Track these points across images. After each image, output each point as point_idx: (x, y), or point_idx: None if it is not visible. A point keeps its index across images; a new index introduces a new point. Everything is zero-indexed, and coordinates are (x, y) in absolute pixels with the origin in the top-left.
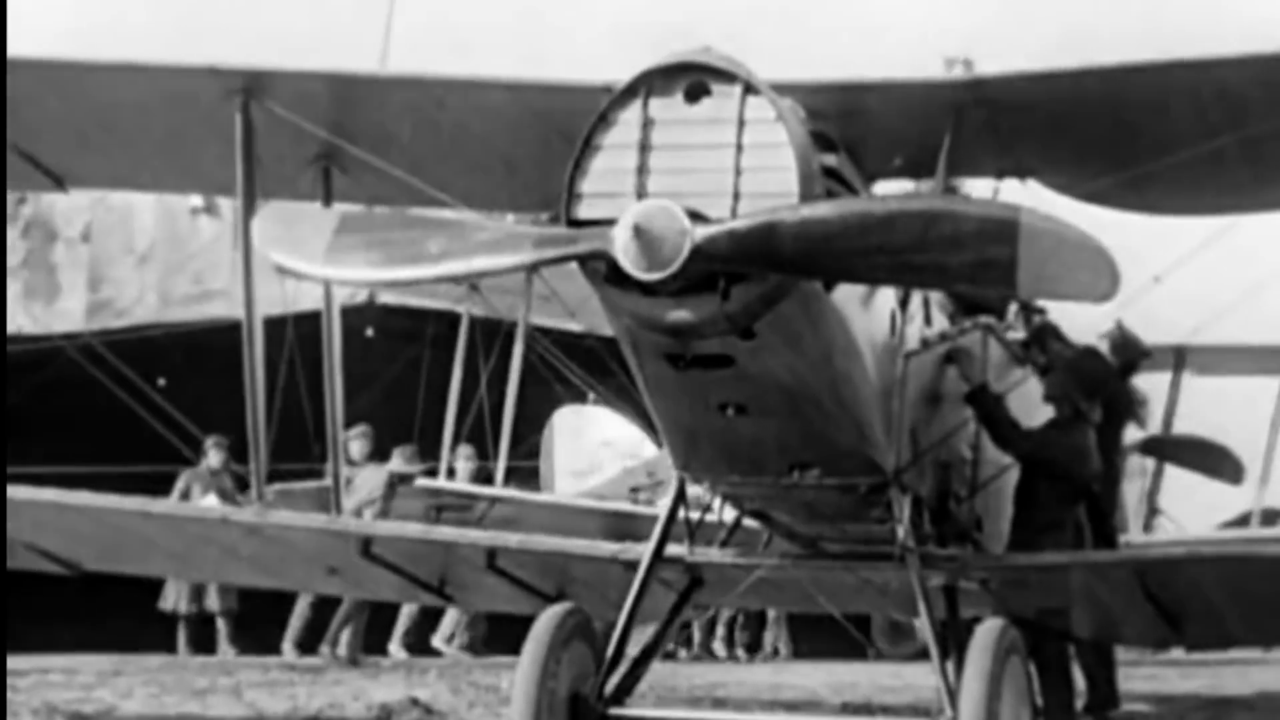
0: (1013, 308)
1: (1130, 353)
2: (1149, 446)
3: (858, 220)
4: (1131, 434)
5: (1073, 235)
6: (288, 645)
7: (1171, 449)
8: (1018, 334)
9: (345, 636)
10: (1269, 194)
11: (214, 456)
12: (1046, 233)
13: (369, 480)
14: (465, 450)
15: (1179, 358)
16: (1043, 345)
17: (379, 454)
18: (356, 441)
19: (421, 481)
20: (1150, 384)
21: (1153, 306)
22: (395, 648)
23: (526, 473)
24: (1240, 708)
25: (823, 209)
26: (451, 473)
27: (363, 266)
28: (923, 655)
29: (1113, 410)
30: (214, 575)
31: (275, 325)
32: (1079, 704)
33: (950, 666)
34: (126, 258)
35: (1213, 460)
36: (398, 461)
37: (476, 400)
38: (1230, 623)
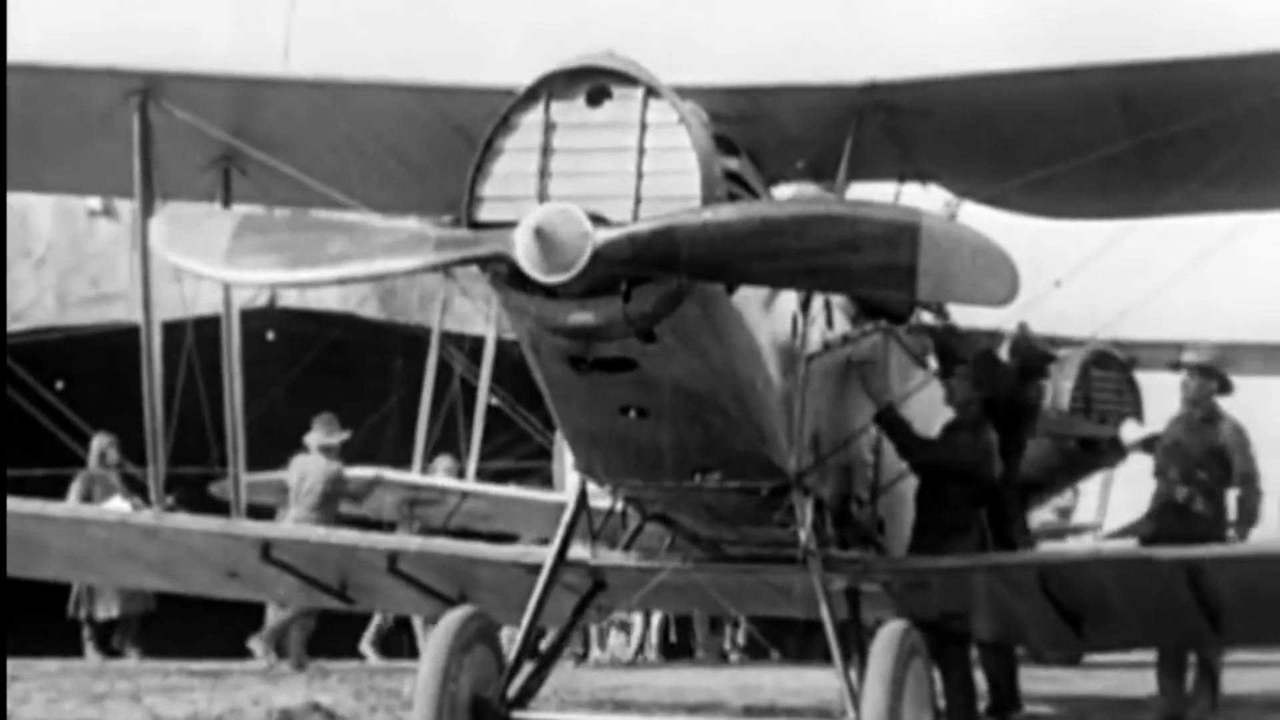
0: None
1: (1031, 357)
2: (1147, 444)
3: (758, 224)
4: (1132, 431)
5: (973, 239)
6: (366, 646)
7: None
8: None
9: (294, 639)
10: (1167, 199)
11: (111, 454)
12: (947, 236)
13: (312, 469)
14: (445, 462)
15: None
16: (945, 349)
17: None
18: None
19: (393, 476)
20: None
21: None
22: (367, 648)
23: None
24: (1141, 709)
25: (724, 213)
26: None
27: (263, 268)
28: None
29: (1013, 414)
30: (113, 578)
31: (174, 329)
32: (981, 706)
33: (853, 669)
34: (24, 260)
35: None
36: (318, 434)
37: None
38: (1131, 625)
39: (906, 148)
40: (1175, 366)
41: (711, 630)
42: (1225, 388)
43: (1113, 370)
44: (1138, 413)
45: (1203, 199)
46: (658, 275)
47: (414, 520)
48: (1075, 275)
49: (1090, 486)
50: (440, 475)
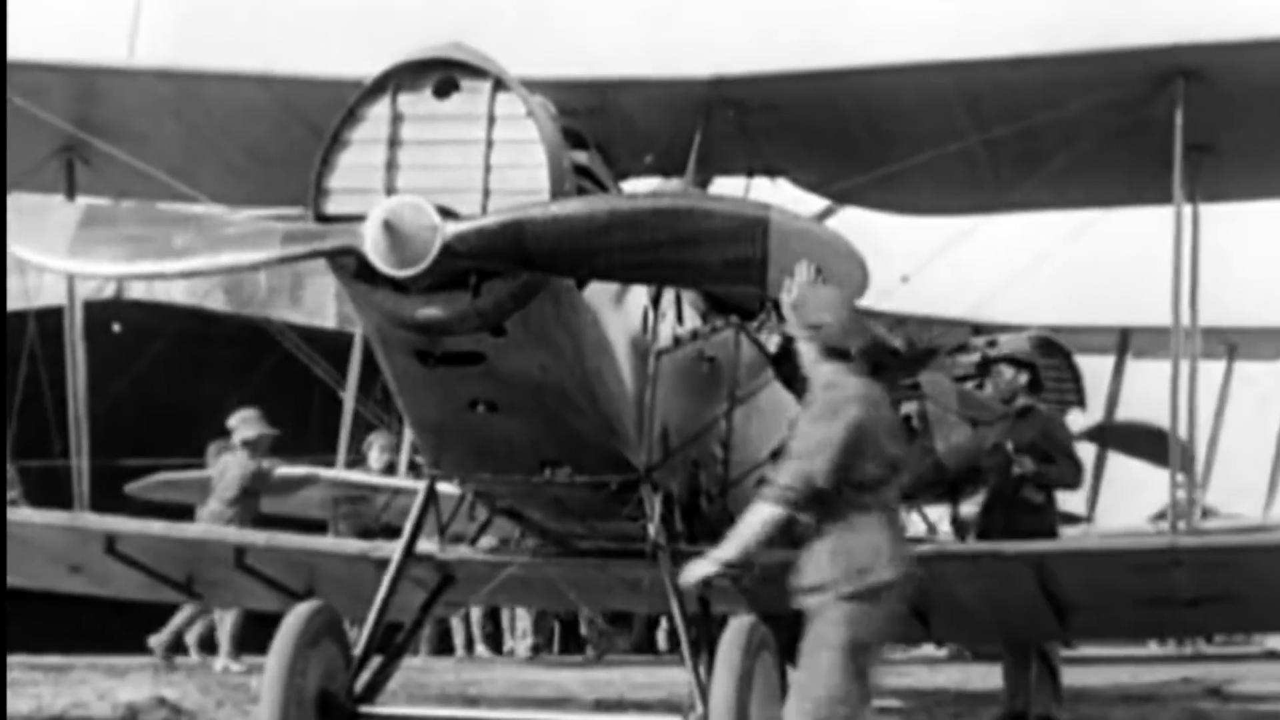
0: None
1: (913, 353)
2: (1093, 434)
3: (607, 218)
4: (1077, 420)
5: (821, 233)
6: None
7: (1118, 437)
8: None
9: (193, 638)
10: (1013, 194)
11: None
12: (796, 231)
13: (232, 464)
14: (380, 439)
15: (1123, 340)
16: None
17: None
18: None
19: (325, 473)
20: (1093, 367)
21: None
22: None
23: None
24: (988, 702)
25: (572, 206)
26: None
27: (107, 260)
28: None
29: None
30: None
31: (16, 319)
32: None
33: (702, 663)
34: None
35: (1164, 449)
36: (244, 429)
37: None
38: (978, 618)
39: (755, 143)
40: (985, 362)
41: (615, 625)
42: (1036, 384)
43: (1055, 357)
44: (1081, 401)
45: (1046, 196)
46: (506, 268)
47: (345, 519)
48: (922, 270)
49: None
50: (375, 455)
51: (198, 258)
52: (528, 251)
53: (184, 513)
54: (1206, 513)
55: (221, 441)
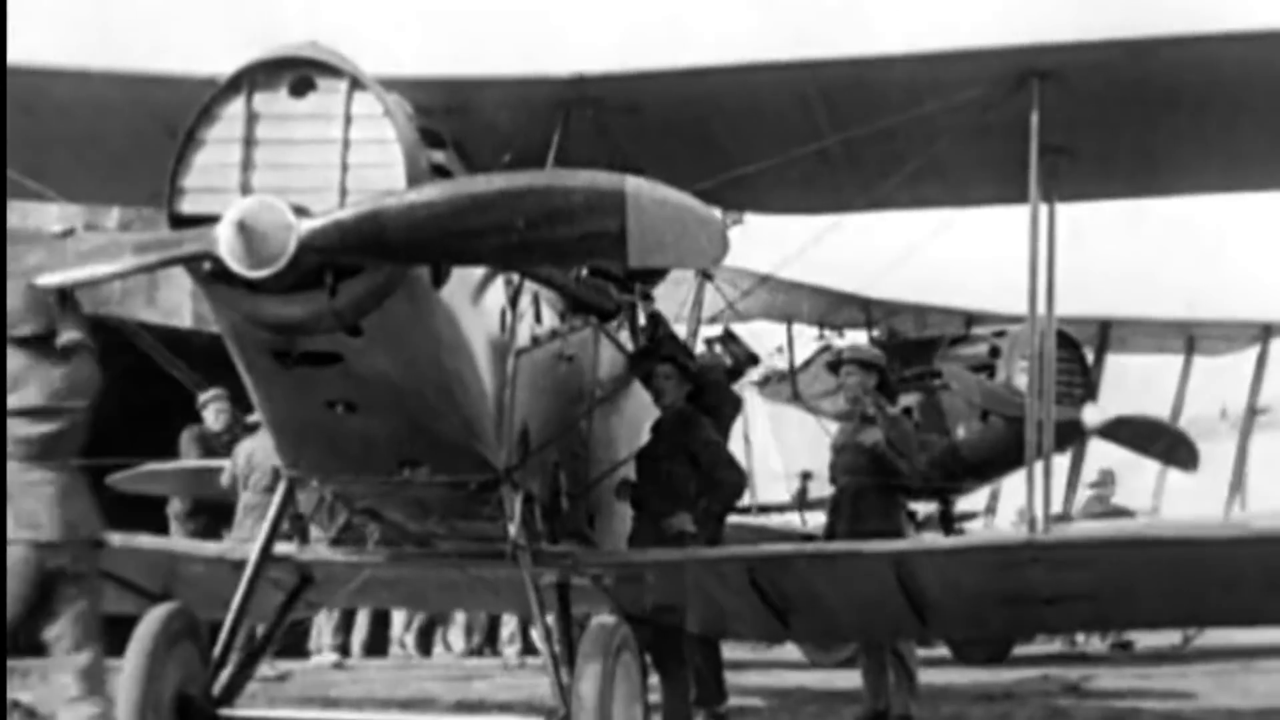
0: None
1: (738, 355)
2: (1108, 431)
3: (465, 201)
4: (1091, 415)
5: (679, 202)
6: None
7: (1126, 432)
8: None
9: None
10: (872, 194)
11: None
12: (653, 201)
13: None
14: (215, 402)
15: (1103, 332)
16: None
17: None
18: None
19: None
20: None
21: None
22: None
23: None
24: (848, 700)
25: (428, 193)
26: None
27: None
28: (853, 661)
29: (712, 411)
30: None
31: None
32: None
33: (563, 664)
34: None
35: (1166, 445)
36: (211, 415)
37: None
38: (840, 617)
39: (614, 142)
40: (835, 364)
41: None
42: (885, 385)
43: (1066, 349)
44: (1091, 393)
45: (904, 196)
46: (368, 264)
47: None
48: (779, 271)
49: None
50: (212, 416)
51: (49, 277)
52: (387, 243)
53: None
54: (1121, 512)
55: (195, 428)
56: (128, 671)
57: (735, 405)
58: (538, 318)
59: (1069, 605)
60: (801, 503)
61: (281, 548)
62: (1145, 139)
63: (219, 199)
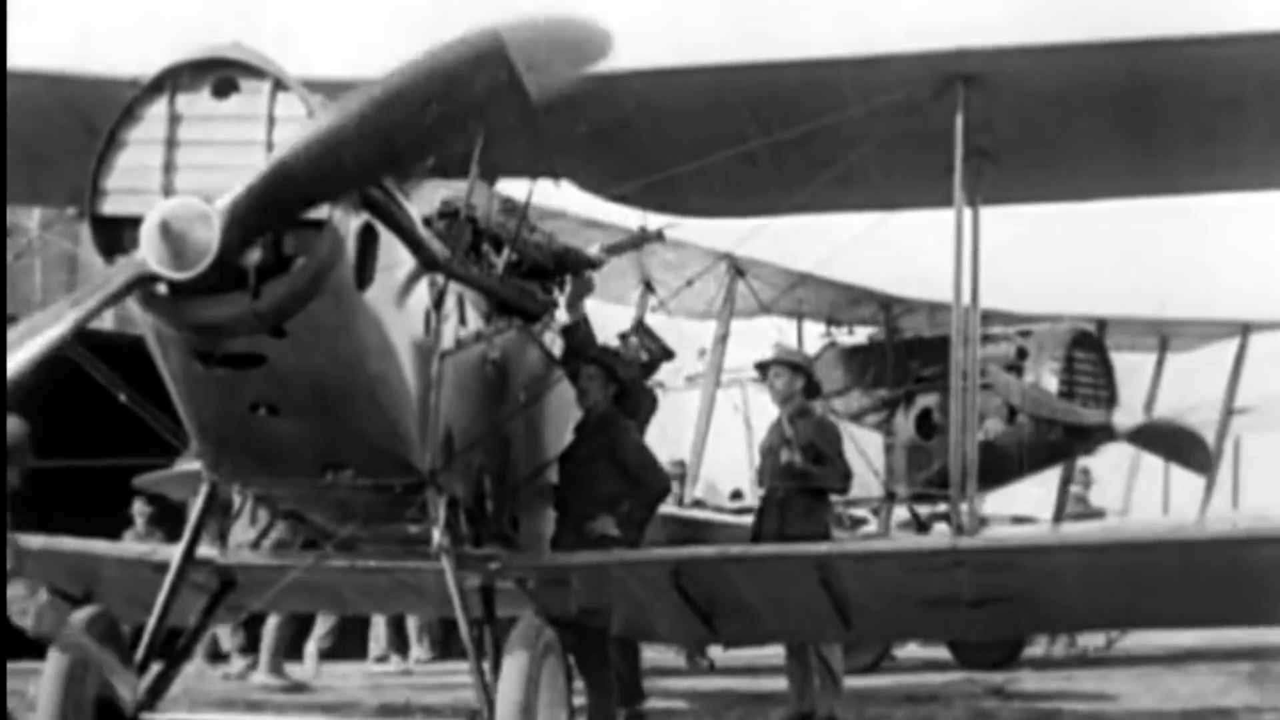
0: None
1: (655, 350)
2: (1137, 435)
3: (361, 110)
4: (1123, 419)
5: (552, 19)
6: None
7: (1154, 437)
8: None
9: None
10: (797, 197)
11: None
12: (527, 27)
13: None
14: None
15: (1100, 331)
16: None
17: None
18: None
19: None
20: None
21: None
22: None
23: None
24: (774, 703)
25: (322, 119)
26: None
27: None
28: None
29: (627, 407)
30: None
31: None
32: None
33: (488, 667)
34: None
35: (1182, 447)
36: None
37: None
38: (764, 620)
39: (539, 144)
40: (762, 366)
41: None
42: (812, 388)
43: (1093, 351)
44: (1114, 396)
45: (829, 199)
46: (293, 221)
47: None
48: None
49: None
50: None
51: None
52: (305, 189)
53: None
54: (1092, 514)
55: None
56: (49, 674)
57: (652, 403)
58: (463, 320)
59: (995, 608)
60: None
61: (204, 551)
62: (1069, 142)
63: (140, 200)
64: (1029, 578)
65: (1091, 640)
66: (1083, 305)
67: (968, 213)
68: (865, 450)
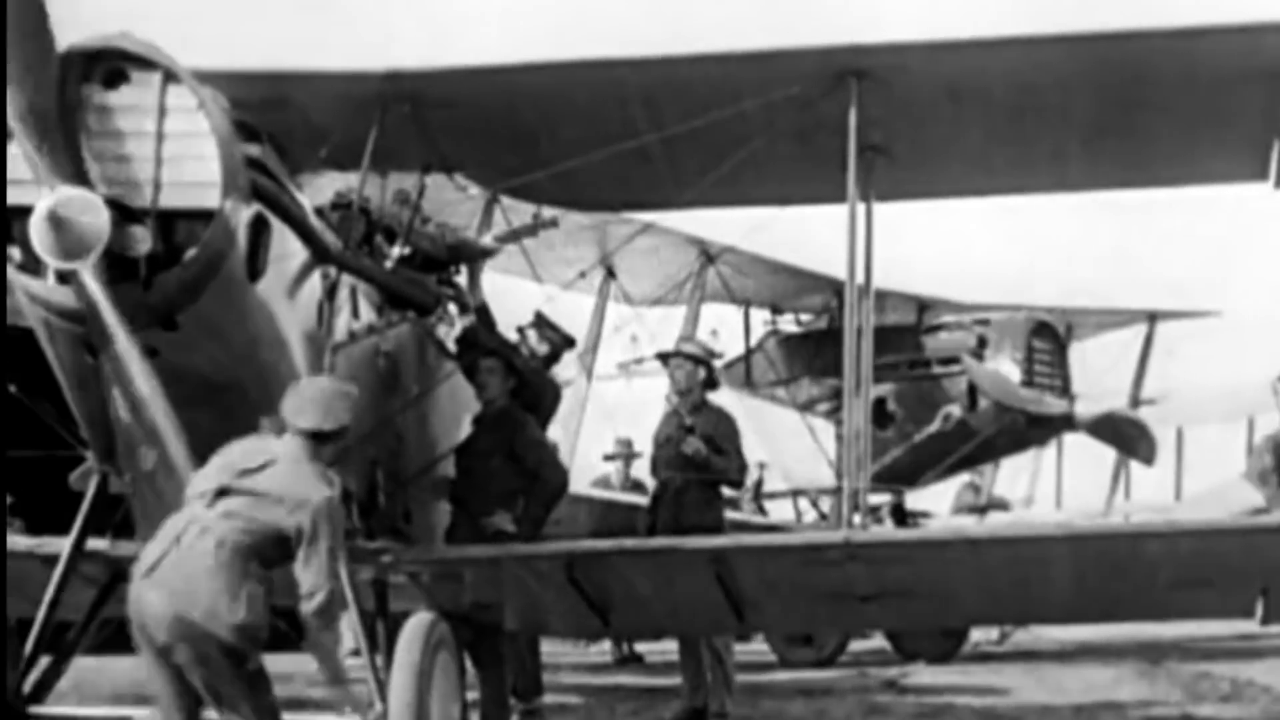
0: None
1: (557, 341)
2: (1095, 427)
3: None
4: (1084, 409)
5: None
6: None
7: (1111, 428)
8: None
9: None
10: (690, 191)
11: None
12: None
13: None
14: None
15: (1069, 327)
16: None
17: None
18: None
19: None
20: None
21: None
22: None
23: None
24: (667, 697)
25: None
26: None
27: None
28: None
29: (531, 398)
30: None
31: None
32: None
33: (380, 661)
34: None
35: (1128, 437)
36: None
37: None
38: (658, 614)
39: (430, 138)
40: (664, 357)
41: None
42: (713, 382)
43: (1050, 341)
44: (1067, 386)
45: (723, 193)
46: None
47: None
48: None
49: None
50: None
51: None
52: None
53: None
54: (996, 506)
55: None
56: None
57: (555, 395)
58: (355, 312)
59: (888, 602)
60: (758, 493)
61: (93, 543)
62: (961, 139)
63: (31, 191)
64: (922, 572)
65: (985, 634)
66: (992, 294)
67: (861, 208)
68: (818, 440)
